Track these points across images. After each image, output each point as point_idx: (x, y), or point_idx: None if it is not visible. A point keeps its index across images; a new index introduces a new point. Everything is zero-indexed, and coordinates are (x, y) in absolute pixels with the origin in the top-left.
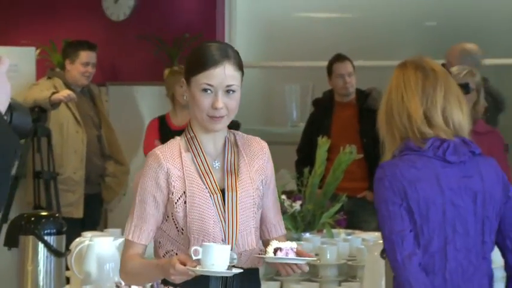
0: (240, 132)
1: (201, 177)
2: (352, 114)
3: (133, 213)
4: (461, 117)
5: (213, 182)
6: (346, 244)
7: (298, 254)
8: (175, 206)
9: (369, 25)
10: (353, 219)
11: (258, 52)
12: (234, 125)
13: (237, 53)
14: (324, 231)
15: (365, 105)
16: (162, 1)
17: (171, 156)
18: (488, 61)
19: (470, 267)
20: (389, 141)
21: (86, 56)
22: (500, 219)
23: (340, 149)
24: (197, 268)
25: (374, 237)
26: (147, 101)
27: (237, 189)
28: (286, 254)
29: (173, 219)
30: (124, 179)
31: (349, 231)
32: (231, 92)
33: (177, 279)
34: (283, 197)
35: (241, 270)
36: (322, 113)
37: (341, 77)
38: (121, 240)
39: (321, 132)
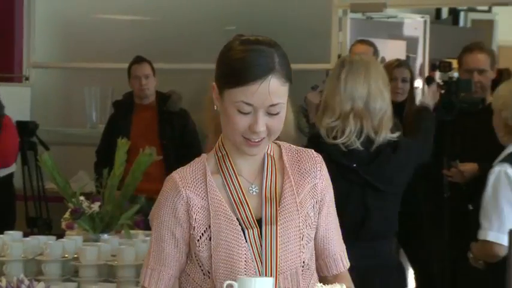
0: (287, 144)
1: (232, 207)
2: (152, 116)
3: (149, 254)
4: None
5: (248, 212)
6: (144, 245)
7: None
8: (197, 244)
9: (169, 28)
10: None
11: (58, 53)
12: (31, 126)
13: (284, 57)
14: (123, 232)
15: (165, 108)
16: None
17: (193, 180)
18: None
19: None
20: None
21: None
22: None
23: (139, 150)
24: None
25: None
26: None
27: (277, 219)
28: None
29: (197, 260)
30: None
31: (148, 232)
32: (274, 111)
33: None
34: (82, 198)
35: None
36: (122, 115)
37: (138, 78)
38: None
39: (120, 133)
